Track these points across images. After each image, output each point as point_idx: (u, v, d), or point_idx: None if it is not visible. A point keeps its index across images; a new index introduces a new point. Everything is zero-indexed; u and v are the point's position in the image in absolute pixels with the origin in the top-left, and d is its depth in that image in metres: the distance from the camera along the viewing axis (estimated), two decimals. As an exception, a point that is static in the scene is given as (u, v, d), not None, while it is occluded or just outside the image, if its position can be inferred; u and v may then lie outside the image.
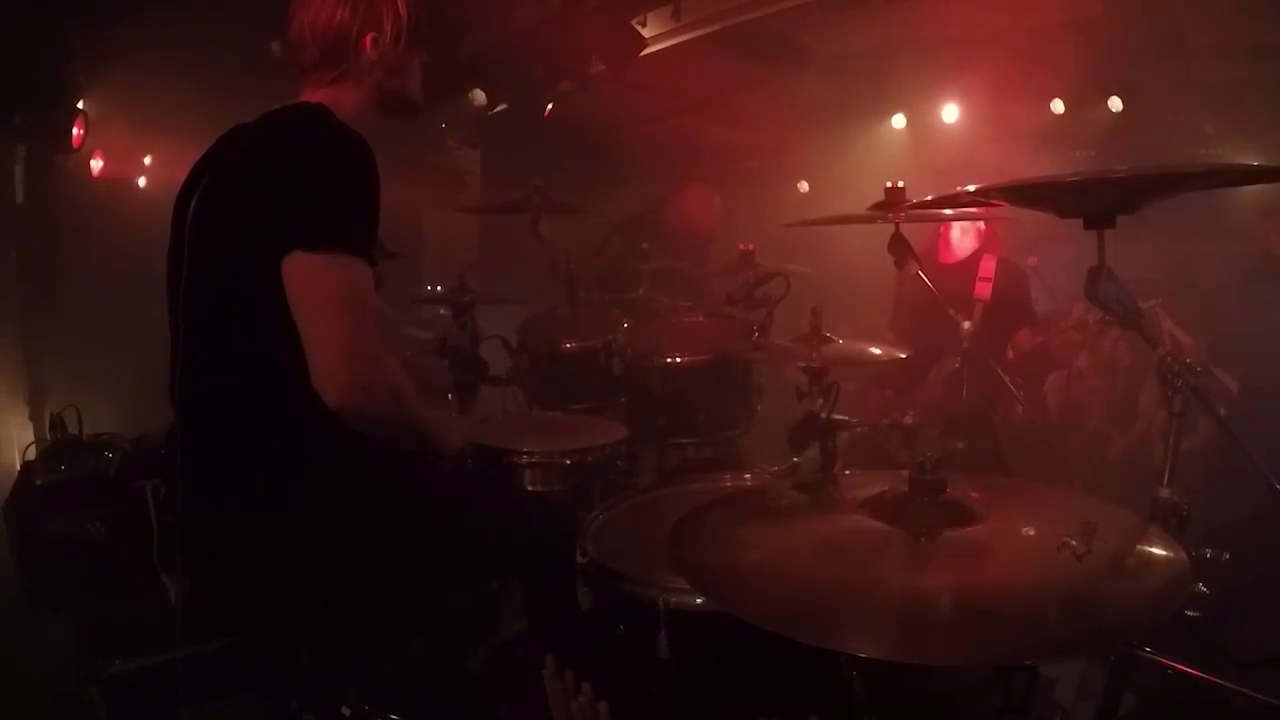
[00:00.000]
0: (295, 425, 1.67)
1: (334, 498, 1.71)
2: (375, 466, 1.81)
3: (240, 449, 1.70)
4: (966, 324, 2.59)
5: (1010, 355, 3.68)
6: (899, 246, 2.67)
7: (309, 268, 1.56)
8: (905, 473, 1.35)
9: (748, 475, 2.46)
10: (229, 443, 1.71)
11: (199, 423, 1.74)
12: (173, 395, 1.75)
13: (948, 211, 2.78)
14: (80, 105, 4.57)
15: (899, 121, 6.58)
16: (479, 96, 5.58)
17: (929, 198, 1.94)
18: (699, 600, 1.58)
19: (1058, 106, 5.74)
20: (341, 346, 1.56)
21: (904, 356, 2.55)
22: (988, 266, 3.64)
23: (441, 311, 3.67)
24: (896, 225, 2.68)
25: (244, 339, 1.66)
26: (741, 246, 3.59)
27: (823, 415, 1.83)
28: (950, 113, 6.12)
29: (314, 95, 1.81)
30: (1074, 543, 1.18)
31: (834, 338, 2.44)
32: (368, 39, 1.80)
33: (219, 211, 1.69)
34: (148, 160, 5.46)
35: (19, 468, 2.78)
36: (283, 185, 1.59)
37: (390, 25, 1.83)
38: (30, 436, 4.53)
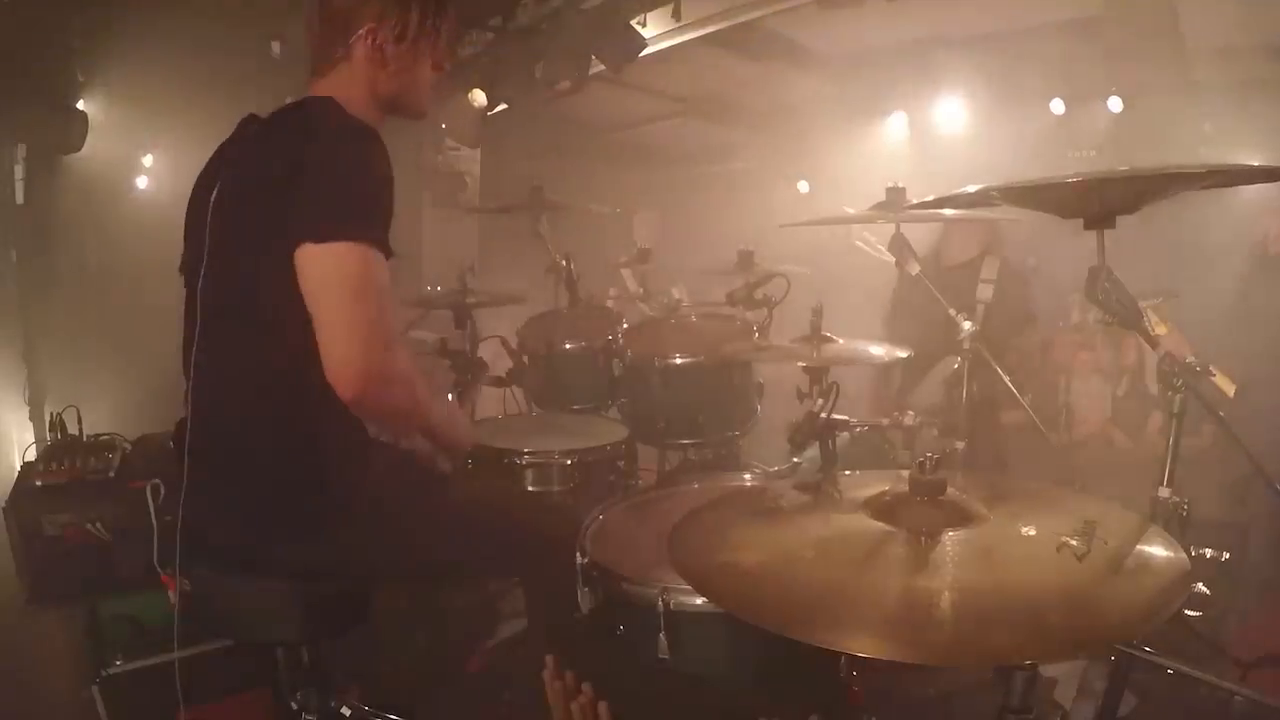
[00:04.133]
0: (300, 425, 1.67)
1: (335, 497, 1.71)
2: (377, 466, 1.81)
3: (244, 448, 1.70)
4: (967, 324, 2.59)
5: (1011, 356, 3.68)
6: (899, 246, 2.67)
7: (322, 259, 1.55)
8: (905, 473, 1.35)
9: (748, 475, 2.46)
10: (234, 441, 1.71)
11: (207, 421, 1.75)
12: (188, 392, 1.75)
13: (948, 211, 2.77)
14: (80, 105, 4.57)
15: (899, 121, 6.58)
16: (479, 96, 5.57)
17: (929, 198, 1.94)
18: (699, 600, 1.58)
19: (1058, 106, 5.75)
20: (357, 337, 1.55)
21: (904, 356, 2.55)
22: (990, 269, 3.63)
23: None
24: (897, 225, 2.69)
25: (256, 336, 1.66)
26: (741, 247, 3.59)
27: (823, 415, 1.83)
28: (950, 113, 6.13)
29: (321, 88, 1.80)
30: (1074, 543, 1.18)
31: (834, 338, 2.45)
32: (365, 32, 1.76)
33: (234, 207, 1.68)
34: (148, 160, 5.47)
35: (19, 468, 2.77)
36: (293, 178, 1.58)
37: (393, 23, 1.78)
38: (30, 436, 4.54)
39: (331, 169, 1.59)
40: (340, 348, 1.55)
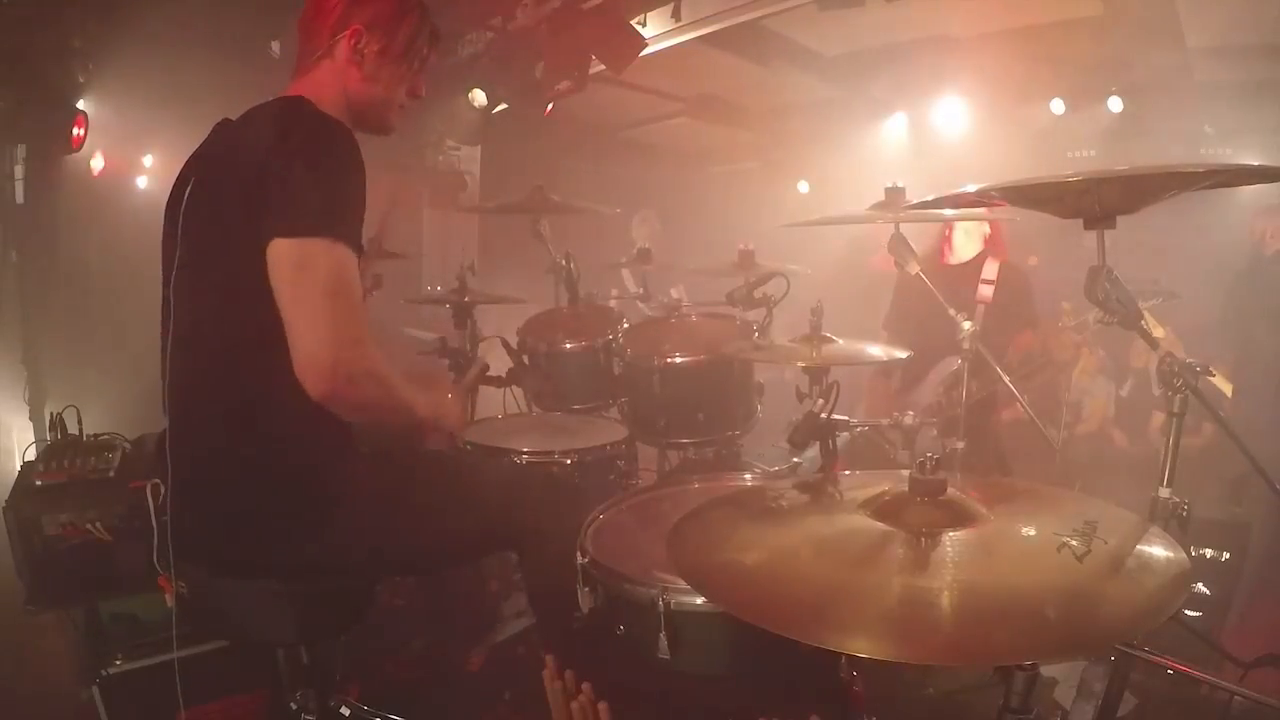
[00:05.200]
0: (288, 422, 1.66)
1: (324, 493, 1.71)
2: (364, 456, 1.80)
3: (233, 448, 1.70)
4: (968, 324, 2.59)
5: (1011, 356, 3.68)
6: (899, 246, 2.67)
7: (290, 255, 1.54)
8: (905, 473, 1.35)
9: (748, 475, 2.46)
10: (221, 442, 1.70)
11: (191, 422, 1.74)
12: (164, 394, 1.75)
13: (947, 212, 2.77)
14: (80, 105, 4.57)
15: (899, 121, 6.59)
16: (479, 96, 5.57)
17: (929, 198, 1.94)
18: (699, 600, 1.58)
19: (1058, 106, 5.75)
20: (324, 334, 1.54)
21: (904, 357, 2.55)
22: (991, 269, 3.64)
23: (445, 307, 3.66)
24: (896, 225, 2.69)
25: (233, 334, 1.65)
26: (742, 246, 3.59)
27: (823, 415, 1.82)
28: (950, 113, 6.13)
29: (298, 87, 1.80)
30: (1074, 543, 1.18)
31: (834, 338, 2.45)
32: (350, 31, 1.78)
33: (206, 207, 1.68)
34: (148, 160, 5.46)
35: (19, 468, 2.77)
36: (262, 176, 1.57)
37: (380, 31, 1.81)
38: (30, 436, 4.53)
39: (302, 164, 1.58)
40: (307, 345, 1.54)
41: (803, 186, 7.55)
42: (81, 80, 4.59)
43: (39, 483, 2.54)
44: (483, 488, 1.97)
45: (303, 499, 1.69)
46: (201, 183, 1.71)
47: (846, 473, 1.62)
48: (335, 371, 1.54)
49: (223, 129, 1.79)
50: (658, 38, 4.93)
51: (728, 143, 7.92)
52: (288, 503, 1.69)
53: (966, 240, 3.78)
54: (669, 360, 3.00)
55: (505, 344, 3.40)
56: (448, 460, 2.10)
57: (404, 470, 1.90)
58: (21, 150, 4.72)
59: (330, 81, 1.80)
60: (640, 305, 4.68)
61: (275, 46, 4.75)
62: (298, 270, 1.54)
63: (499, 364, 3.40)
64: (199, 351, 1.70)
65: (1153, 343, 1.65)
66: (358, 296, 1.61)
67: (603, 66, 4.89)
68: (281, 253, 1.54)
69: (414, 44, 1.87)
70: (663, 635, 1.60)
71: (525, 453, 2.57)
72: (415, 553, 1.89)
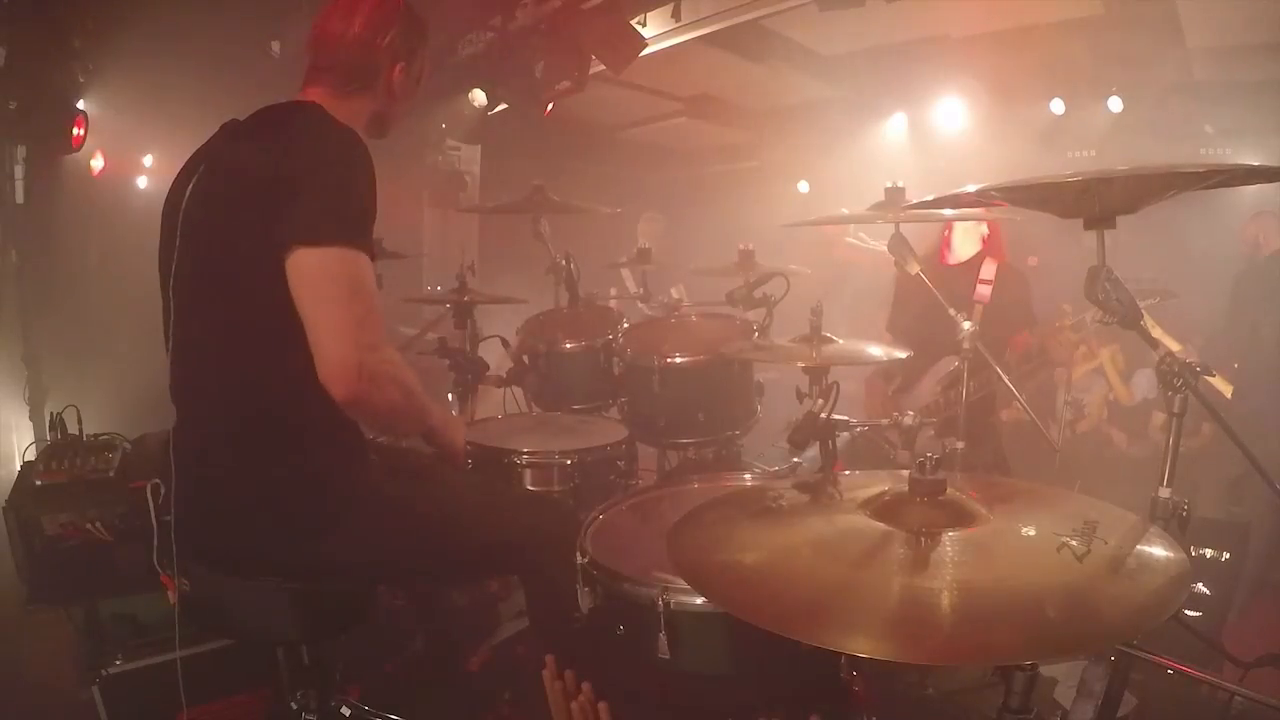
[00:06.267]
0: (293, 423, 1.67)
1: (333, 496, 1.71)
2: (374, 465, 1.81)
3: (237, 448, 1.70)
4: (967, 324, 2.59)
5: (1009, 356, 3.68)
6: (899, 246, 2.67)
7: (313, 262, 1.56)
8: (905, 473, 1.35)
9: (748, 475, 2.46)
10: (226, 442, 1.71)
11: (200, 422, 1.75)
12: (172, 393, 1.76)
13: (948, 212, 2.77)
14: (80, 105, 4.57)
15: (899, 121, 6.59)
16: (479, 96, 5.58)
17: (929, 198, 1.94)
18: (699, 600, 1.58)
19: (1058, 106, 5.76)
20: (348, 338, 1.57)
21: (904, 356, 2.55)
22: (989, 270, 3.64)
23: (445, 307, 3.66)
24: (896, 225, 2.69)
25: (244, 336, 1.66)
26: (742, 246, 3.59)
27: (823, 415, 1.82)
28: (950, 113, 6.13)
29: (313, 95, 1.81)
30: (1074, 543, 1.18)
31: (834, 338, 2.45)
32: (399, 68, 1.88)
33: (214, 208, 1.69)
34: (148, 160, 5.46)
35: (19, 468, 2.77)
36: (278, 182, 1.59)
37: (419, 60, 1.93)
38: (30, 436, 4.54)
39: (326, 174, 1.61)
40: (334, 350, 1.57)
41: (803, 186, 7.55)
42: (81, 80, 4.59)
43: (39, 483, 2.54)
44: (492, 512, 1.99)
45: (310, 501, 1.70)
46: (207, 183, 1.72)
47: (846, 473, 1.62)
48: (361, 375, 1.57)
49: (231, 130, 1.79)
50: (658, 38, 4.93)
51: (727, 143, 7.93)
52: (294, 504, 1.69)
53: (965, 240, 3.78)
54: (669, 360, 3.00)
55: (505, 344, 3.40)
56: (459, 482, 2.11)
57: (415, 484, 1.92)
58: (21, 150, 4.72)
59: (359, 104, 1.86)
60: (640, 305, 4.68)
61: (275, 46, 4.76)
62: (322, 278, 1.57)
63: (499, 364, 3.40)
64: (207, 352, 1.70)
65: (1152, 343, 1.65)
66: (378, 302, 1.64)
67: (603, 66, 4.90)
68: (305, 261, 1.56)
69: (425, 60, 1.98)
70: (663, 635, 1.60)
71: (525, 453, 2.57)
72: (417, 566, 1.91)
